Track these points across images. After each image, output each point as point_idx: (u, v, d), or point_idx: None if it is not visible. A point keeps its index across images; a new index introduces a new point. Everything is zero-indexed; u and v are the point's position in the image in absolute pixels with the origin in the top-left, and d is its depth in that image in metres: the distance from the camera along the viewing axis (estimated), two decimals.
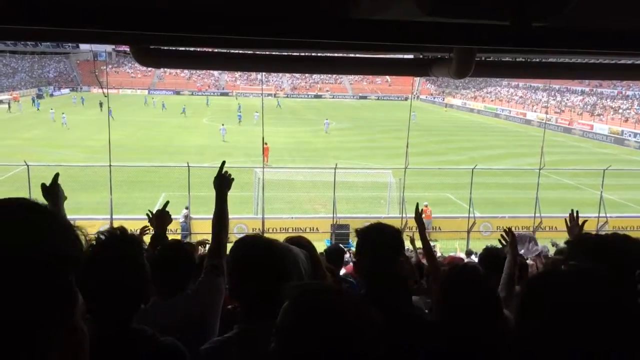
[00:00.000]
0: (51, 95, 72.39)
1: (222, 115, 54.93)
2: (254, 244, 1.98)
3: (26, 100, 60.66)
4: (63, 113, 45.24)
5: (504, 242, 3.48)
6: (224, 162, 2.89)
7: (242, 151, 31.62)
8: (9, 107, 54.21)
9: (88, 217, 18.49)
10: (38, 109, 54.46)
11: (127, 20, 2.96)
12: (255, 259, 1.91)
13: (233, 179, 2.89)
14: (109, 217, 16.67)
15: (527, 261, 5.85)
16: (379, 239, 2.29)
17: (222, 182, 2.84)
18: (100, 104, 50.40)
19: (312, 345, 1.19)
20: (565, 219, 3.23)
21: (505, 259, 3.37)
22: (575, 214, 3.21)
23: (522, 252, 5.74)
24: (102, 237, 1.79)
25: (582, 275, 1.23)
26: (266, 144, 30.02)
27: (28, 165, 16.92)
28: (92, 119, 45.78)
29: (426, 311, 2.94)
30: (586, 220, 3.22)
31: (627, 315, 1.12)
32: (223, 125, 40.05)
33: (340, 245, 8.30)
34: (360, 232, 2.38)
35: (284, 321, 1.25)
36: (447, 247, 16.84)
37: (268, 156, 29.69)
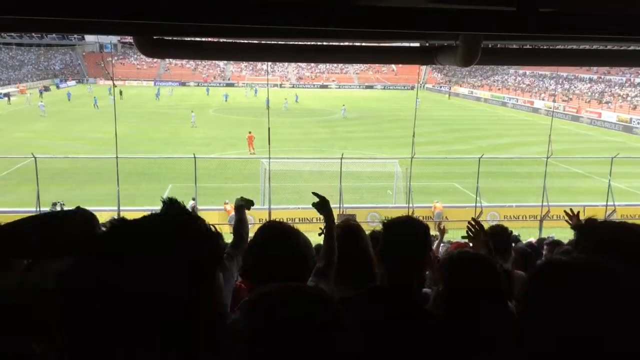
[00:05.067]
0: (57, 87, 72.58)
1: (226, 107, 54.97)
2: (276, 228, 2.27)
3: (33, 93, 60.96)
4: (41, 101, 47.09)
5: (470, 234, 3.09)
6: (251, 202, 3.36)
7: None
8: (29, 100, 54.88)
9: (96, 208, 18.51)
10: (69, 100, 55.45)
11: (130, 9, 2.95)
12: (275, 243, 2.15)
13: (253, 203, 3.36)
14: (116, 208, 16.75)
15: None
16: (410, 235, 2.22)
17: (243, 203, 3.29)
18: (121, 92, 55.58)
19: None
20: (566, 213, 3.17)
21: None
22: (571, 212, 3.16)
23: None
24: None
25: (582, 269, 1.21)
26: (250, 132, 30.13)
27: (35, 158, 17.03)
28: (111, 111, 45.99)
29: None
30: (578, 212, 3.17)
31: (623, 312, 1.10)
32: (192, 112, 41.23)
33: None
34: (388, 226, 2.29)
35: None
36: (455, 235, 16.81)
37: (253, 145, 29.71)
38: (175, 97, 62.74)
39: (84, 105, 50.56)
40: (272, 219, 2.50)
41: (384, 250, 2.24)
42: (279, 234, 2.23)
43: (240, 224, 3.13)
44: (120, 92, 55.68)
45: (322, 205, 2.87)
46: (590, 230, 1.99)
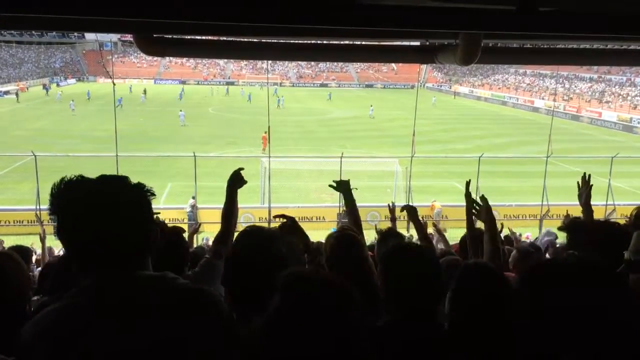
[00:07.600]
0: (57, 85, 72.53)
1: (228, 104, 54.93)
2: (255, 234, 1.99)
3: (37, 90, 61.02)
4: (72, 100, 46.86)
5: (474, 211, 3.02)
6: (240, 168, 3.07)
7: (248, 141, 31.62)
8: (46, 91, 55.16)
9: None
10: (88, 98, 54.61)
11: (130, 7, 2.94)
12: (253, 250, 1.90)
13: (246, 182, 3.07)
14: None
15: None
16: (411, 272, 1.97)
17: (235, 181, 2.99)
18: (145, 91, 56.27)
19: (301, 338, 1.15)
20: (578, 182, 3.23)
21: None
22: (587, 178, 3.18)
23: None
24: None
25: (578, 267, 1.21)
26: (265, 132, 30.16)
27: (35, 156, 17.03)
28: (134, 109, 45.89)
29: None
30: (591, 185, 3.21)
31: (615, 311, 1.11)
32: (181, 111, 40.81)
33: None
34: (390, 263, 2.06)
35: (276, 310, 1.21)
36: (454, 235, 16.80)
37: (266, 145, 29.77)
38: (201, 97, 62.44)
39: (92, 104, 50.43)
40: (253, 224, 2.22)
41: (389, 288, 2.01)
42: (258, 240, 1.96)
43: (230, 211, 2.84)
44: (144, 91, 55.88)
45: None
46: (578, 231, 2.00)
